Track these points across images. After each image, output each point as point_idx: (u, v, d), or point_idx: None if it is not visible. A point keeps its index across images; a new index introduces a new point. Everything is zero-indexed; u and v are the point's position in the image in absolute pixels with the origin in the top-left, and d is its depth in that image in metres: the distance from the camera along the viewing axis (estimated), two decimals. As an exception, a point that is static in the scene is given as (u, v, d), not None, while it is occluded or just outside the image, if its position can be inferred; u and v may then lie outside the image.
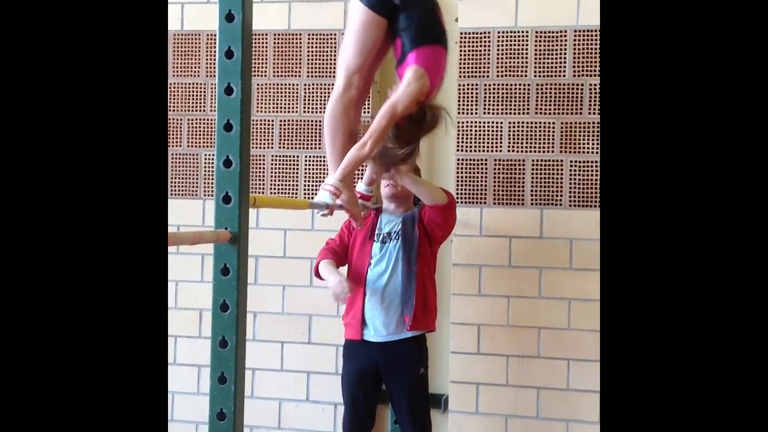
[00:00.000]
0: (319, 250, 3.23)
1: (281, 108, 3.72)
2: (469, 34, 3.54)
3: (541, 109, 3.48)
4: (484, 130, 3.53)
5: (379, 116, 2.60)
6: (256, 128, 3.71)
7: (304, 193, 3.70)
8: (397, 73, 2.69)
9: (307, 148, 3.69)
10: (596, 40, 3.43)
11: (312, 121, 3.69)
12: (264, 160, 3.73)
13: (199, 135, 3.80)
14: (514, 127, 3.51)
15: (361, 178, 3.09)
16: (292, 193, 3.71)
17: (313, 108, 3.69)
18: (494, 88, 3.52)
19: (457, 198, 3.54)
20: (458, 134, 3.55)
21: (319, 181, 3.66)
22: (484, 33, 3.53)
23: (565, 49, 3.46)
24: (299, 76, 3.70)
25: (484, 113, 3.53)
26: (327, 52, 3.68)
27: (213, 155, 3.59)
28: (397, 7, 2.60)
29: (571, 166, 3.46)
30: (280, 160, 3.72)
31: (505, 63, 3.51)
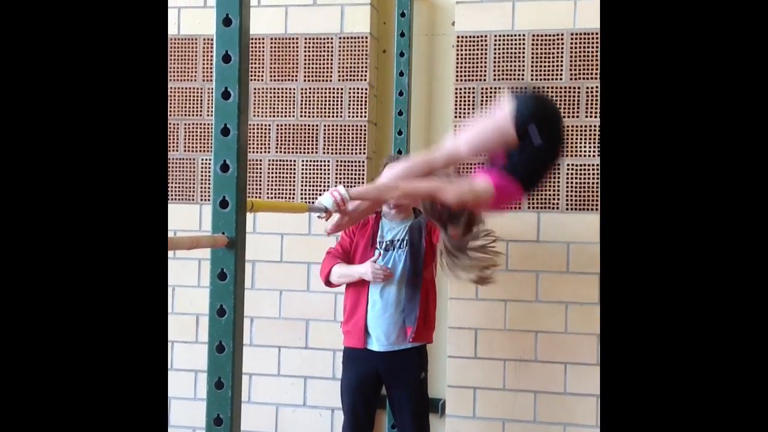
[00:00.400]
0: (323, 261, 3.21)
1: (278, 112, 3.72)
2: (467, 37, 3.54)
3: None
4: (481, 134, 3.53)
5: (426, 182, 2.54)
6: (253, 132, 3.71)
7: (301, 197, 3.69)
8: (477, 167, 2.63)
9: (304, 152, 3.69)
10: (593, 43, 3.44)
11: (308, 125, 3.69)
12: (261, 164, 3.72)
13: (196, 139, 3.80)
14: (511, 130, 3.50)
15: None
16: (289, 198, 3.71)
17: (309, 112, 3.69)
18: (491, 92, 3.52)
19: (454, 202, 3.54)
20: (455, 138, 3.55)
21: (316, 185, 3.66)
22: (482, 36, 3.53)
23: (562, 52, 3.47)
24: (296, 80, 3.70)
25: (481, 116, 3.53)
26: (323, 56, 3.68)
27: (210, 159, 3.59)
28: (528, 138, 2.49)
29: (568, 169, 3.46)
30: (276, 165, 3.72)
31: (503, 66, 3.52)
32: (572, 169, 3.45)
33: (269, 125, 3.72)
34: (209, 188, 3.84)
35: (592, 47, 3.43)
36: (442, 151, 2.64)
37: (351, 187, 3.60)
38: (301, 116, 3.70)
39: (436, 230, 3.08)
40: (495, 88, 3.52)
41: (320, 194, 3.61)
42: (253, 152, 3.70)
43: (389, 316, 3.07)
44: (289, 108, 3.71)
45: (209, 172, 3.71)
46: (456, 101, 3.56)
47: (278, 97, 3.72)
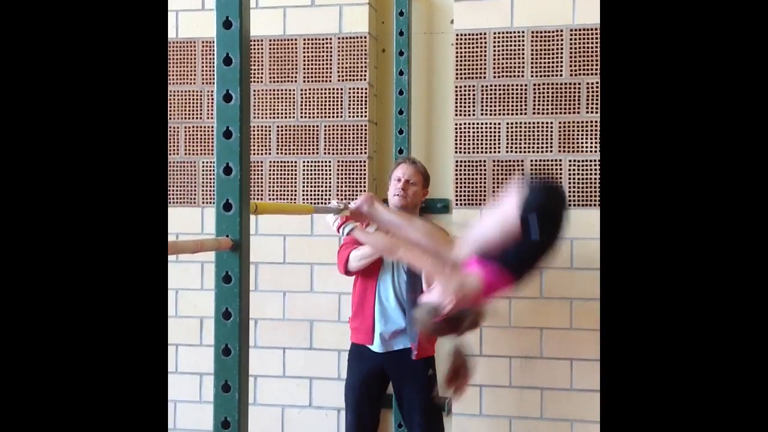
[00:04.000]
0: (339, 251, 3.17)
1: (278, 114, 3.71)
2: (465, 35, 3.54)
3: (538, 109, 3.48)
4: (481, 132, 3.53)
5: (424, 261, 2.51)
6: (254, 134, 3.70)
7: (303, 199, 3.69)
8: (471, 258, 2.48)
9: (305, 153, 3.68)
10: (592, 38, 3.43)
11: (309, 126, 3.68)
12: (262, 166, 3.72)
13: (197, 142, 3.79)
14: (511, 127, 3.50)
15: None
16: (291, 199, 3.70)
17: (310, 113, 3.69)
18: (491, 89, 3.52)
19: (456, 200, 3.53)
20: (456, 136, 3.55)
21: (318, 186, 3.66)
22: (480, 34, 3.52)
23: (562, 49, 3.46)
24: (295, 81, 3.70)
25: (482, 114, 3.53)
26: (323, 56, 3.67)
27: (211, 162, 3.58)
28: (528, 229, 2.33)
29: (570, 165, 3.45)
30: (278, 166, 3.71)
31: (502, 64, 3.51)
32: (573, 165, 3.44)
33: (269, 127, 3.72)
34: (211, 191, 3.84)
35: (592, 43, 3.43)
36: (452, 250, 2.55)
37: (352, 187, 3.61)
38: (302, 117, 3.70)
39: None
40: (495, 86, 3.51)
41: (322, 195, 3.62)
42: (254, 154, 3.70)
43: (390, 320, 3.07)
44: (290, 109, 3.70)
45: (210, 174, 3.70)
46: (456, 99, 3.55)
47: (278, 98, 3.71)
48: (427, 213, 3.52)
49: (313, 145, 3.68)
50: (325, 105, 3.67)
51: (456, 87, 3.55)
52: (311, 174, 3.68)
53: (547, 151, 3.47)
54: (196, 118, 3.79)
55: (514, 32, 3.50)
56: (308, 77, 3.68)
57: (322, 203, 3.66)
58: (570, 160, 3.45)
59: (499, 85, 3.51)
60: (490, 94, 3.51)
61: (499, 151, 3.51)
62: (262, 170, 3.72)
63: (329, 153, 3.66)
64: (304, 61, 3.68)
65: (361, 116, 3.63)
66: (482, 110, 3.53)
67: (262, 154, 3.71)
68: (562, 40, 3.46)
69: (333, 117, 3.66)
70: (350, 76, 3.64)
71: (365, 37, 3.63)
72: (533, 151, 3.48)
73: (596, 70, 3.42)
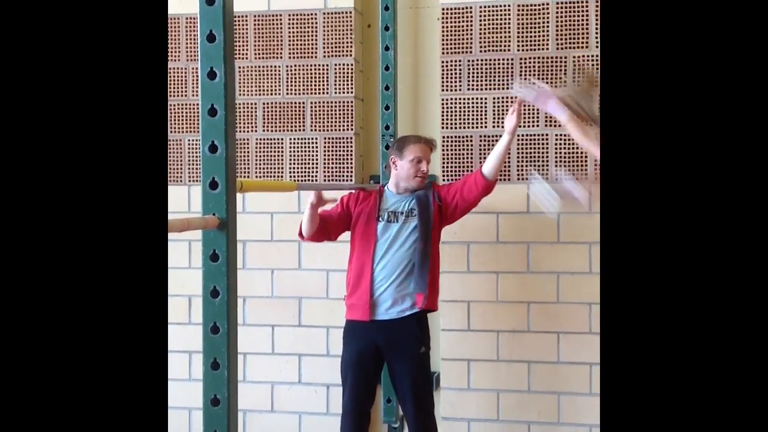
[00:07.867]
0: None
1: (264, 90, 3.69)
2: (451, 9, 3.52)
3: (525, 83, 3.47)
4: (468, 107, 3.52)
5: None
6: (240, 112, 3.68)
7: (290, 176, 3.68)
8: None
9: (292, 130, 3.67)
10: (579, 11, 3.42)
11: (295, 102, 3.66)
12: (248, 143, 3.70)
13: (182, 120, 3.77)
14: (498, 102, 3.50)
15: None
16: (278, 176, 3.70)
17: (296, 89, 3.67)
18: (477, 64, 3.51)
19: (443, 175, 3.54)
20: (443, 111, 3.54)
21: (304, 163, 3.65)
22: (466, 8, 3.51)
23: (548, 22, 3.45)
24: (281, 57, 3.67)
25: (468, 89, 3.52)
26: (308, 32, 3.64)
27: (197, 140, 3.56)
28: None
29: (556, 139, 3.46)
30: (264, 143, 3.70)
31: (488, 38, 3.50)
32: (560, 139, 3.45)
33: (255, 104, 3.70)
34: (197, 169, 3.82)
35: (578, 16, 3.42)
36: None
37: (339, 163, 3.60)
38: (287, 94, 3.68)
39: (441, 194, 3.10)
40: (481, 60, 3.50)
41: (309, 171, 3.61)
42: (240, 131, 3.68)
43: (395, 287, 3.07)
44: (275, 86, 3.68)
45: (197, 152, 3.68)
46: (442, 74, 3.54)
47: (263, 75, 3.69)
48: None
49: (300, 122, 3.67)
50: (311, 81, 3.65)
51: (442, 62, 3.54)
52: (298, 151, 3.67)
53: (533, 126, 3.47)
54: (182, 95, 3.76)
55: (500, 6, 3.48)
56: (293, 53, 3.66)
57: (309, 180, 3.65)
58: (556, 135, 3.45)
59: (486, 60, 3.50)
60: (477, 68, 3.51)
61: (485, 127, 3.51)
62: (248, 148, 3.70)
63: (315, 130, 3.65)
64: (289, 37, 3.66)
65: (347, 92, 3.62)
66: (469, 85, 3.52)
67: (248, 131, 3.70)
68: (548, 13, 3.45)
69: (319, 93, 3.64)
70: (336, 52, 3.62)
71: (350, 12, 3.60)
72: (520, 126, 3.46)
73: (583, 43, 3.41)
